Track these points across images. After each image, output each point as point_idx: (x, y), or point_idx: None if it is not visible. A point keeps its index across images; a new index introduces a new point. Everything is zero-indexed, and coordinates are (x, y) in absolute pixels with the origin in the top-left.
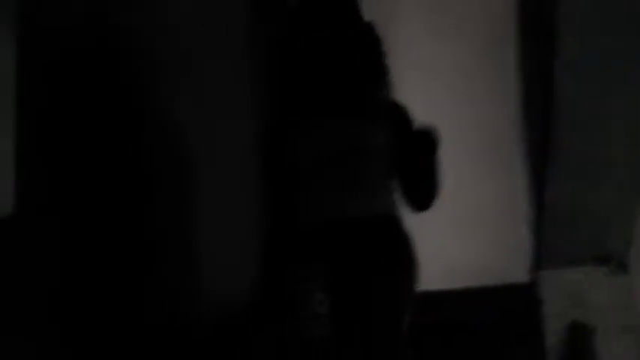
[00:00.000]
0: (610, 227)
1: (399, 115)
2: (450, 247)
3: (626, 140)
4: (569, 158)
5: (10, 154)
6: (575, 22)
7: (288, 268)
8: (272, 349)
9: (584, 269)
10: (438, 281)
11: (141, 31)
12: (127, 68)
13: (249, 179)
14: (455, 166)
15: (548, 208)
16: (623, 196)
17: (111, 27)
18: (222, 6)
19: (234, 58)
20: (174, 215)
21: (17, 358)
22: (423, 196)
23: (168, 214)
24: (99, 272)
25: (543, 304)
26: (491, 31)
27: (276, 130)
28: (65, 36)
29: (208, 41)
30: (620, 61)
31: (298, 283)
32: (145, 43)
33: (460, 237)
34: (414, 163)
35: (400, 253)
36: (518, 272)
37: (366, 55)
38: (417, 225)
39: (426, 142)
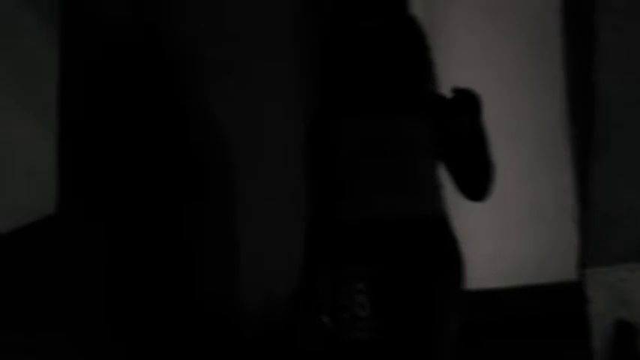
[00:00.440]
0: None
1: (444, 108)
2: (500, 245)
3: None
4: (614, 155)
5: (53, 154)
6: (613, 16)
7: (331, 268)
8: (313, 349)
9: (629, 267)
10: (487, 280)
11: (185, 28)
12: (172, 68)
13: (294, 178)
14: (506, 163)
15: (593, 205)
16: None
17: (153, 26)
18: (268, 1)
19: (281, 56)
20: (219, 214)
21: (59, 356)
22: (477, 181)
23: (213, 214)
24: (144, 270)
25: (589, 302)
26: (539, 26)
27: (319, 126)
28: (108, 36)
29: (255, 40)
30: None
31: (340, 284)
32: (189, 40)
33: (511, 235)
34: (459, 126)
35: (447, 257)
36: (568, 270)
37: (411, 48)
38: (467, 223)
39: (467, 102)
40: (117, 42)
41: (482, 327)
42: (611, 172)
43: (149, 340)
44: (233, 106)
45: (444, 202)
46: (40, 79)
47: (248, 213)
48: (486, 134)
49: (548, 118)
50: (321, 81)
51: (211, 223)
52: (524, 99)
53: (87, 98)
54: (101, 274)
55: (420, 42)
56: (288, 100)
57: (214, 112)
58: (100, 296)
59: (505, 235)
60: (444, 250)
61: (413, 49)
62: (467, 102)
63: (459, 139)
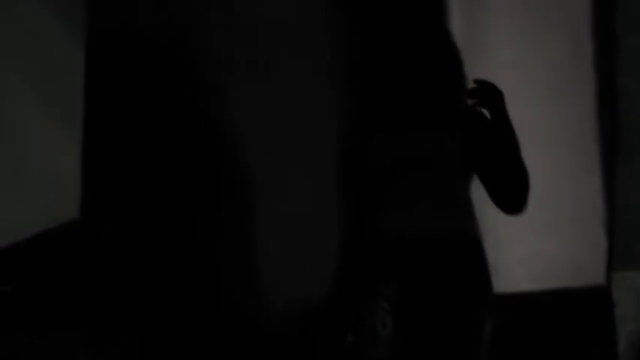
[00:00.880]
0: None
1: (478, 124)
2: (531, 248)
3: None
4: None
5: (76, 159)
6: (633, 22)
7: (357, 283)
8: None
9: None
10: (517, 283)
11: (213, 31)
12: (198, 72)
13: (323, 187)
14: (539, 166)
15: (620, 209)
16: None
17: (180, 29)
18: (303, 6)
19: (314, 62)
20: (240, 224)
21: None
22: (513, 193)
23: (235, 222)
24: (164, 274)
25: (615, 306)
26: (571, 31)
27: (354, 140)
28: (133, 41)
29: (287, 44)
30: None
31: (365, 300)
32: (218, 44)
33: (544, 238)
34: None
35: (477, 283)
36: (600, 274)
37: (446, 62)
38: (499, 226)
39: (488, 91)
40: (142, 47)
41: (514, 329)
42: (637, 176)
43: (168, 344)
44: (257, 111)
45: (476, 220)
46: (65, 83)
47: (269, 216)
48: (515, 135)
49: (581, 122)
50: (356, 95)
51: (233, 227)
52: (558, 102)
53: (111, 103)
54: (122, 277)
55: (455, 56)
56: (312, 107)
57: (238, 118)
58: (120, 299)
59: (538, 237)
60: (473, 278)
61: (448, 63)
62: (488, 91)
63: (493, 150)
